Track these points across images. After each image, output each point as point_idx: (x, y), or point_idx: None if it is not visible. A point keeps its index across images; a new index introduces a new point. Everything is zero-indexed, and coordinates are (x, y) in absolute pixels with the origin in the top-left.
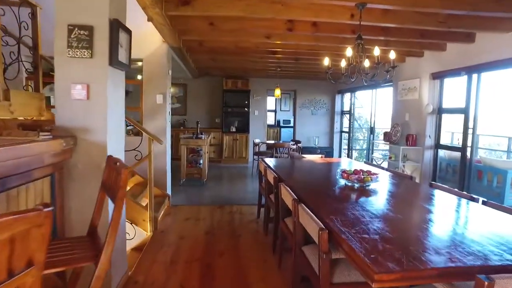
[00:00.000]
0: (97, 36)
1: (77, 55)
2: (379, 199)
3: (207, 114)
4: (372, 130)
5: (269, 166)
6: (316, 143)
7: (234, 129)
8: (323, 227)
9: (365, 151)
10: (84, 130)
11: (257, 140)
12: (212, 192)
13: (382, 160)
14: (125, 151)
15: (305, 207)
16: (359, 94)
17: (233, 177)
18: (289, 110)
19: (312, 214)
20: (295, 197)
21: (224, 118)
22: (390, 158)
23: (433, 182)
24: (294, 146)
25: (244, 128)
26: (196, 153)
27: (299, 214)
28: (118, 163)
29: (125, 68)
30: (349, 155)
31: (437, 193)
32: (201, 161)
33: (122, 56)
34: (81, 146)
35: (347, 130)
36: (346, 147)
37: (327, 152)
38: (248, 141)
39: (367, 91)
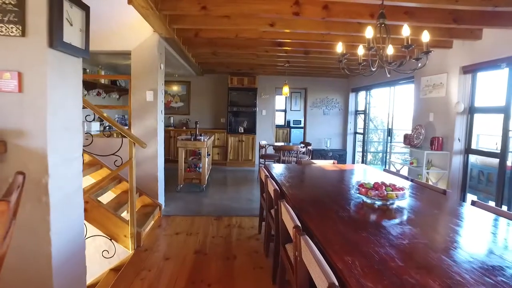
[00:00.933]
0: (30, 6)
1: (1, 32)
2: (410, 225)
3: (211, 113)
4: (389, 132)
5: (270, 175)
6: (328, 145)
7: (240, 130)
8: (334, 282)
9: (380, 154)
10: (16, 133)
11: (263, 142)
12: (212, 200)
13: (401, 165)
14: (103, 155)
15: (309, 241)
16: (375, 92)
17: (237, 182)
18: (299, 110)
19: (318, 254)
20: (298, 223)
21: (229, 118)
22: (411, 163)
23: (476, 200)
24: (304, 149)
25: (250, 129)
26: (196, 156)
27: (302, 250)
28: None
29: (80, 54)
30: (363, 159)
31: (487, 216)
32: (200, 165)
33: (72, 38)
34: (12, 154)
35: (361, 131)
36: (360, 149)
37: (340, 155)
38: (255, 142)
39: (384, 89)
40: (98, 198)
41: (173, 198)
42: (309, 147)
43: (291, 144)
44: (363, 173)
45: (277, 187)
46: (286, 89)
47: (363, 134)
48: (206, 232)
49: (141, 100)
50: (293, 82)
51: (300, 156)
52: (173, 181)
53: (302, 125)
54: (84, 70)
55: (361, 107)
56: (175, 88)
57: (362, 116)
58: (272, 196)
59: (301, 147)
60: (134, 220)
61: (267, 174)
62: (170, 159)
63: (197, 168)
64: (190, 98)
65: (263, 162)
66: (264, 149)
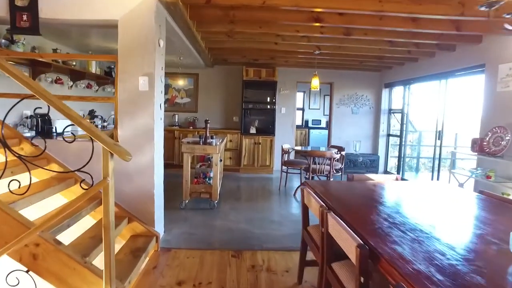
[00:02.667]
0: None
1: None
2: None
3: (222, 111)
4: (439, 135)
5: (326, 203)
6: (357, 149)
7: (255, 131)
8: None
9: (415, 160)
10: None
11: (286, 146)
12: (226, 221)
13: (467, 177)
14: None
15: None
16: (416, 87)
17: (255, 194)
18: (319, 108)
19: None
20: None
21: (244, 117)
22: (488, 177)
23: None
24: (338, 156)
25: (268, 130)
26: (205, 162)
27: None
28: None
29: None
30: (399, 166)
31: None
32: (211, 175)
33: None
34: None
35: (396, 133)
36: (394, 154)
37: (371, 160)
38: (273, 145)
39: (431, 83)
40: (67, 230)
41: (176, 220)
42: (343, 153)
43: (309, 148)
44: (455, 194)
45: (359, 240)
46: (315, 82)
47: (400, 136)
48: (222, 280)
49: (132, 90)
50: (318, 75)
51: (333, 163)
52: (177, 194)
53: (321, 125)
54: (55, 50)
55: (396, 105)
56: (180, 82)
57: (397, 115)
58: (355, 259)
59: (334, 152)
60: (112, 272)
61: (322, 203)
62: (174, 165)
63: (207, 179)
64: (198, 93)
65: (286, 171)
66: (287, 154)
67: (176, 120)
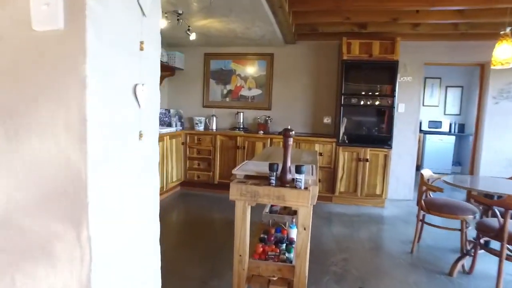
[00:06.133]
0: None
1: None
2: None
3: (308, 109)
4: None
5: None
6: None
7: (359, 140)
8: None
9: None
10: None
11: (427, 172)
12: None
13: None
14: None
15: None
16: None
17: (368, 260)
18: (437, 105)
19: None
20: None
21: (342, 118)
22: None
23: None
24: None
25: (380, 138)
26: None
27: None
28: None
29: None
30: None
31: None
32: (294, 242)
33: None
34: None
35: None
36: None
37: None
38: (388, 162)
39: None
40: None
41: None
42: None
43: (468, 181)
44: None
45: None
46: (505, 50)
47: None
48: None
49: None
50: (453, 51)
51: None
52: (221, 268)
53: (442, 128)
54: None
55: None
56: (248, 66)
57: None
58: None
59: None
60: None
61: None
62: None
63: (283, 250)
64: (272, 81)
65: (423, 218)
66: (426, 193)
67: (241, 121)
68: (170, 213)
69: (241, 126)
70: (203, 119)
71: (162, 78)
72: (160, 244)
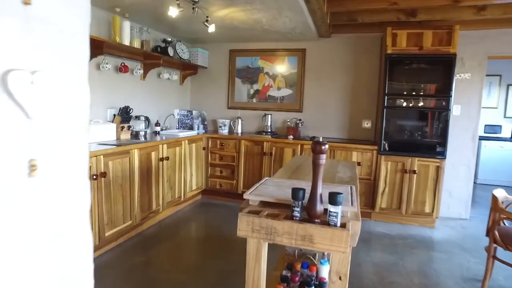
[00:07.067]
0: None
1: None
2: None
3: (344, 111)
4: None
5: None
6: None
7: (405, 148)
8: None
9: None
10: None
11: (501, 194)
12: None
13: None
14: None
15: None
16: None
17: None
18: (496, 107)
19: None
20: None
21: (385, 121)
22: None
23: None
24: None
25: (430, 146)
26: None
27: None
28: None
29: None
30: None
31: None
32: None
33: None
34: None
35: None
36: None
37: None
38: (440, 175)
39: None
40: None
41: None
42: None
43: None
44: None
45: None
46: None
47: None
48: None
49: None
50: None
51: None
52: None
53: (502, 134)
54: None
55: None
56: (278, 63)
57: None
58: None
59: None
60: None
61: None
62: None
63: None
64: (303, 81)
65: (494, 253)
66: (501, 217)
67: (268, 124)
68: (187, 226)
69: (269, 130)
70: (227, 121)
71: (184, 77)
72: (168, 265)
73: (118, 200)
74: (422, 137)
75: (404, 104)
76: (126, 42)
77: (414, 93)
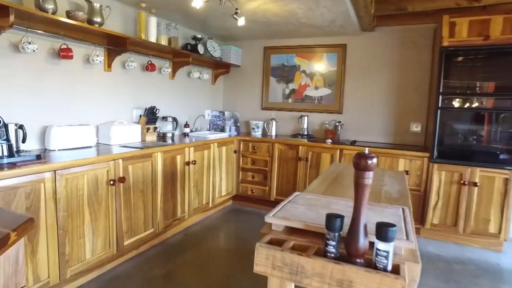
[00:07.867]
0: None
1: None
2: None
3: (389, 113)
4: None
5: None
6: None
7: (463, 156)
8: None
9: None
10: None
11: None
12: None
13: None
14: None
15: None
16: None
17: None
18: None
19: None
20: None
21: (439, 124)
22: None
23: None
24: None
25: (495, 153)
26: None
27: None
28: None
29: None
30: None
31: None
32: None
33: None
34: None
35: None
36: None
37: None
38: (510, 187)
39: None
40: None
41: None
42: None
43: None
44: None
45: None
46: None
47: None
48: None
49: None
50: None
51: None
52: None
53: None
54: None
55: None
56: (315, 61)
57: None
58: None
59: None
60: None
61: None
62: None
63: None
64: (344, 80)
65: None
66: None
67: (305, 126)
68: (214, 235)
69: (305, 133)
70: (261, 123)
71: (216, 76)
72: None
73: (139, 207)
74: (484, 143)
75: (463, 104)
76: (152, 39)
77: (478, 91)
